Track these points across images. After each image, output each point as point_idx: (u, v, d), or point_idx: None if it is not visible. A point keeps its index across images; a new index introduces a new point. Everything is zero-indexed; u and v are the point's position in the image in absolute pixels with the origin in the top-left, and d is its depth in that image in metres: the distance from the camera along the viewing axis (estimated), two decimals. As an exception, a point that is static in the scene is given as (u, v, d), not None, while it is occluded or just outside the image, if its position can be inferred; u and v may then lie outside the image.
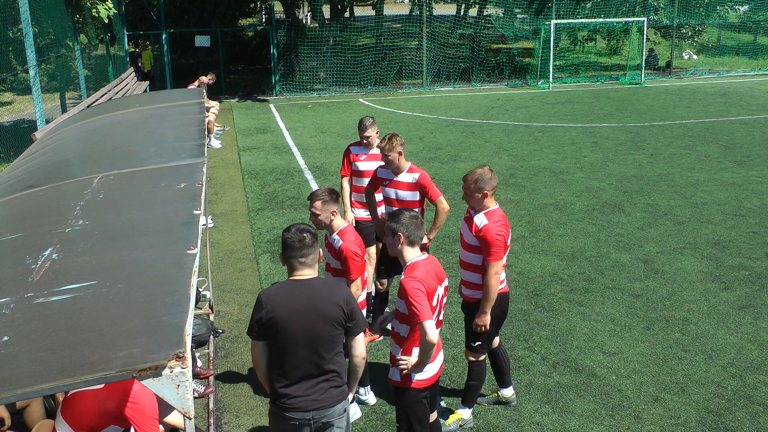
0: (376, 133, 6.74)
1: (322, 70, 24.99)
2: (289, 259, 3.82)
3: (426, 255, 4.21)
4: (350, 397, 4.01)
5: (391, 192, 6.07)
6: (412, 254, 4.15)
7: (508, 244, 4.98)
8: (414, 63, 25.50)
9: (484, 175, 4.86)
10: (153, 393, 3.90)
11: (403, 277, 4.07)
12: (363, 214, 6.81)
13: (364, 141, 6.72)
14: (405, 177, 5.99)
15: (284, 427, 3.83)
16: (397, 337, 4.24)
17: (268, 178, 12.78)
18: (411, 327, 4.12)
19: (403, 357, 4.15)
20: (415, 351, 4.15)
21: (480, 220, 4.87)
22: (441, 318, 4.36)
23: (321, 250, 3.95)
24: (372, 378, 5.81)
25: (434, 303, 4.10)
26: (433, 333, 3.91)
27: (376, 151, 6.69)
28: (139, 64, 22.74)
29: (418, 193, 6.00)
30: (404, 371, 4.17)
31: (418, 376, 4.19)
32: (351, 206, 6.89)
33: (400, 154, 5.91)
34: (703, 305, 7.17)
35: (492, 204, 4.93)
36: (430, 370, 4.22)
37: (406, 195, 6.01)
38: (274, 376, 3.82)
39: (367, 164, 6.71)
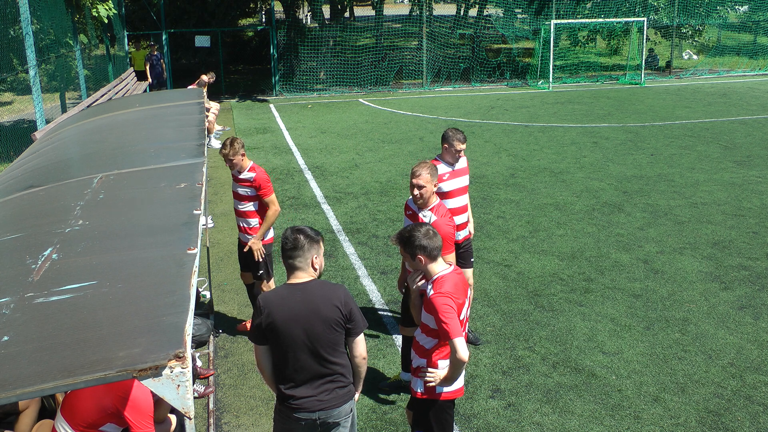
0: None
1: (322, 70, 24.98)
2: (283, 260, 3.84)
3: (452, 267, 4.12)
4: (356, 396, 4.02)
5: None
6: (438, 268, 4.06)
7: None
8: (414, 63, 25.49)
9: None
10: (149, 391, 3.90)
11: (432, 292, 3.97)
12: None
13: (456, 155, 6.11)
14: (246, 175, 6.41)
15: (291, 426, 3.84)
16: (420, 350, 4.16)
17: (268, 178, 12.76)
18: (438, 341, 4.07)
19: (430, 369, 4.07)
20: (441, 363, 4.09)
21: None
22: (465, 331, 4.31)
23: (322, 258, 3.90)
24: (370, 378, 5.81)
25: (461, 317, 4.02)
26: (464, 350, 3.83)
27: (460, 165, 6.22)
28: (146, 67, 20.02)
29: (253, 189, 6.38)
30: (430, 383, 4.08)
31: (447, 388, 4.14)
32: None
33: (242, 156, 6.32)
34: (703, 305, 7.17)
35: None
36: (459, 381, 4.17)
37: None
38: (279, 379, 3.83)
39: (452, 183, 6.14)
